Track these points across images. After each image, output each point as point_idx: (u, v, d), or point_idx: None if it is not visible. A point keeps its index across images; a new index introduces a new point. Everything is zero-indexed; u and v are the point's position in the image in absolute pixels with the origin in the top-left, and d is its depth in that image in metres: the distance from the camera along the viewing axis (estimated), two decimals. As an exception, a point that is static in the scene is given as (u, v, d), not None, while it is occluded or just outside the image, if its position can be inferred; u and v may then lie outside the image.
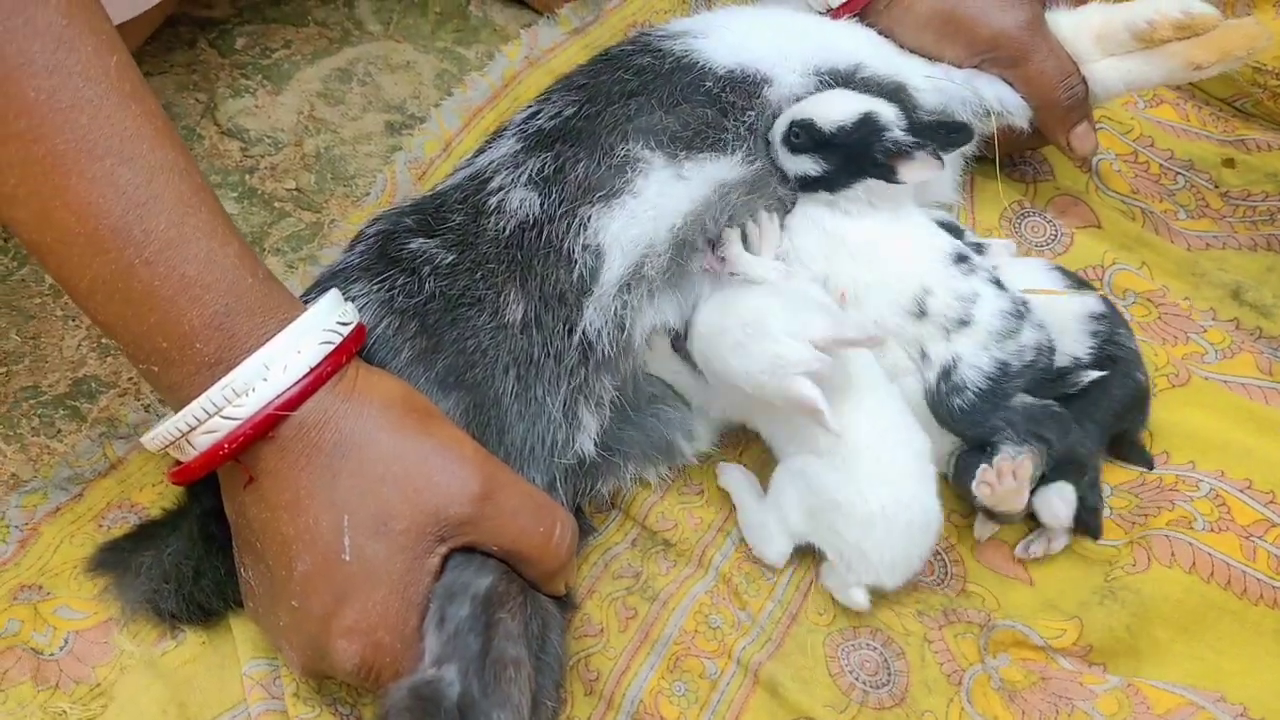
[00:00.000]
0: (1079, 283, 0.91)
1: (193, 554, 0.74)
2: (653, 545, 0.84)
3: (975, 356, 0.82)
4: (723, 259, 0.82)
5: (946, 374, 0.83)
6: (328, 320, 0.67)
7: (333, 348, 0.66)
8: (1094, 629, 0.80)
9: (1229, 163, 1.16)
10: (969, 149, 1.00)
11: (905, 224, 0.88)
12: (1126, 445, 0.88)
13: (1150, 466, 0.88)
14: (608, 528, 0.85)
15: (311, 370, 0.64)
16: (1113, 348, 0.86)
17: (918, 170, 0.82)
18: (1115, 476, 0.89)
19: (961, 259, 0.85)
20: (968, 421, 0.82)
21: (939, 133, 0.85)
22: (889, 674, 0.78)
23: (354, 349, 0.68)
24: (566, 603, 0.76)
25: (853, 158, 0.84)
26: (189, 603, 0.74)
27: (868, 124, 0.84)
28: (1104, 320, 0.87)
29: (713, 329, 0.78)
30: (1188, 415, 0.92)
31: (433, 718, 0.61)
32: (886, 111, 0.84)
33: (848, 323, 0.77)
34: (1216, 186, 1.13)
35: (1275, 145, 1.20)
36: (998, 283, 0.84)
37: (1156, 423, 0.90)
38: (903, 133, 0.83)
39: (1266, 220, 1.09)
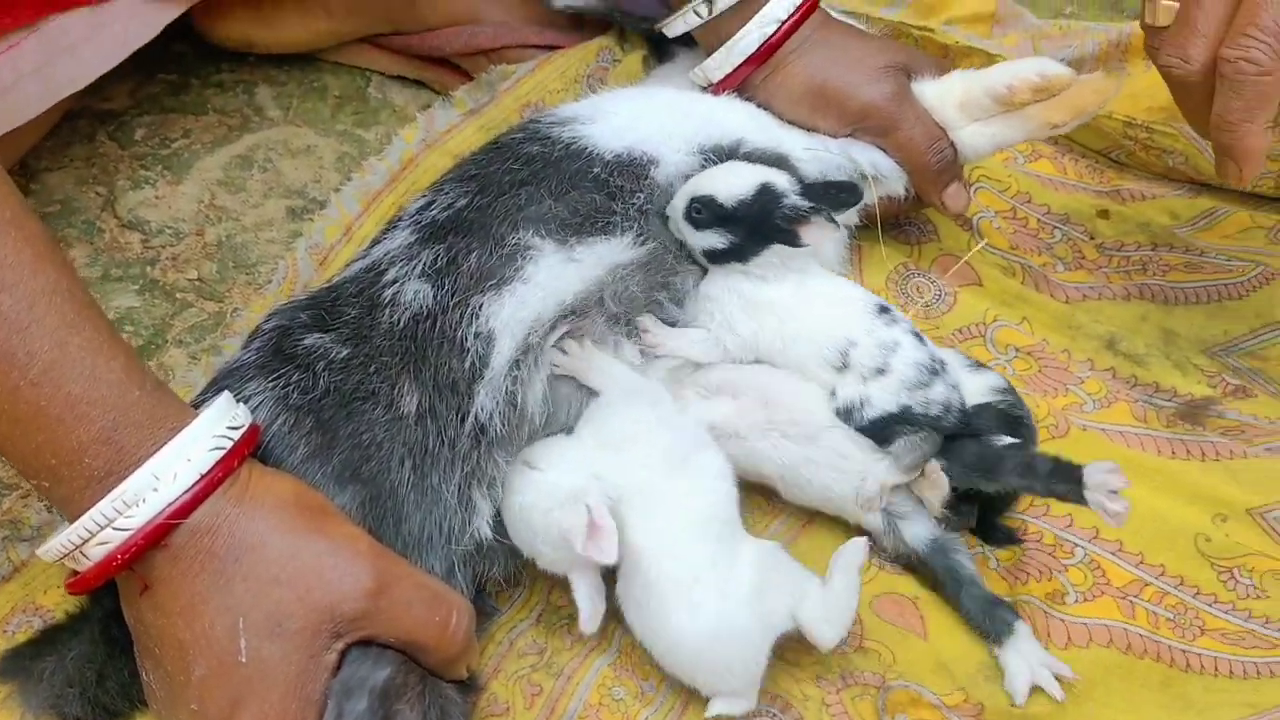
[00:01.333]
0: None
1: (96, 657, 0.74)
2: (557, 620, 0.86)
3: (883, 401, 0.86)
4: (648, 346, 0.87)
5: (848, 413, 0.86)
6: (218, 426, 0.68)
7: (223, 453, 0.67)
8: (982, 695, 0.83)
9: (1104, 214, 1.22)
10: (853, 215, 1.04)
11: (825, 280, 0.92)
12: (990, 524, 0.92)
13: (1015, 542, 0.92)
14: (513, 604, 0.87)
15: (202, 477, 0.66)
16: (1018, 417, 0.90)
17: (817, 233, 0.87)
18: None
19: (884, 310, 0.89)
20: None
21: (830, 193, 0.90)
22: None
23: (246, 451, 0.69)
24: (470, 685, 0.78)
25: (756, 227, 0.87)
26: (94, 706, 0.74)
27: (766, 194, 0.88)
28: (1008, 393, 0.91)
29: (508, 510, 0.80)
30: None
31: (330, 817, 0.63)
32: (779, 180, 0.89)
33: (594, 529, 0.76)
34: (1092, 238, 1.19)
35: (1148, 195, 1.26)
36: (918, 335, 0.88)
37: (1037, 476, 0.95)
38: (798, 197, 0.88)
39: (1139, 269, 1.15)
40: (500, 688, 0.81)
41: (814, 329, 0.88)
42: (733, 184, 0.88)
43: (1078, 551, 0.91)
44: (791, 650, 0.83)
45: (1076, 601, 0.88)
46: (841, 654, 0.85)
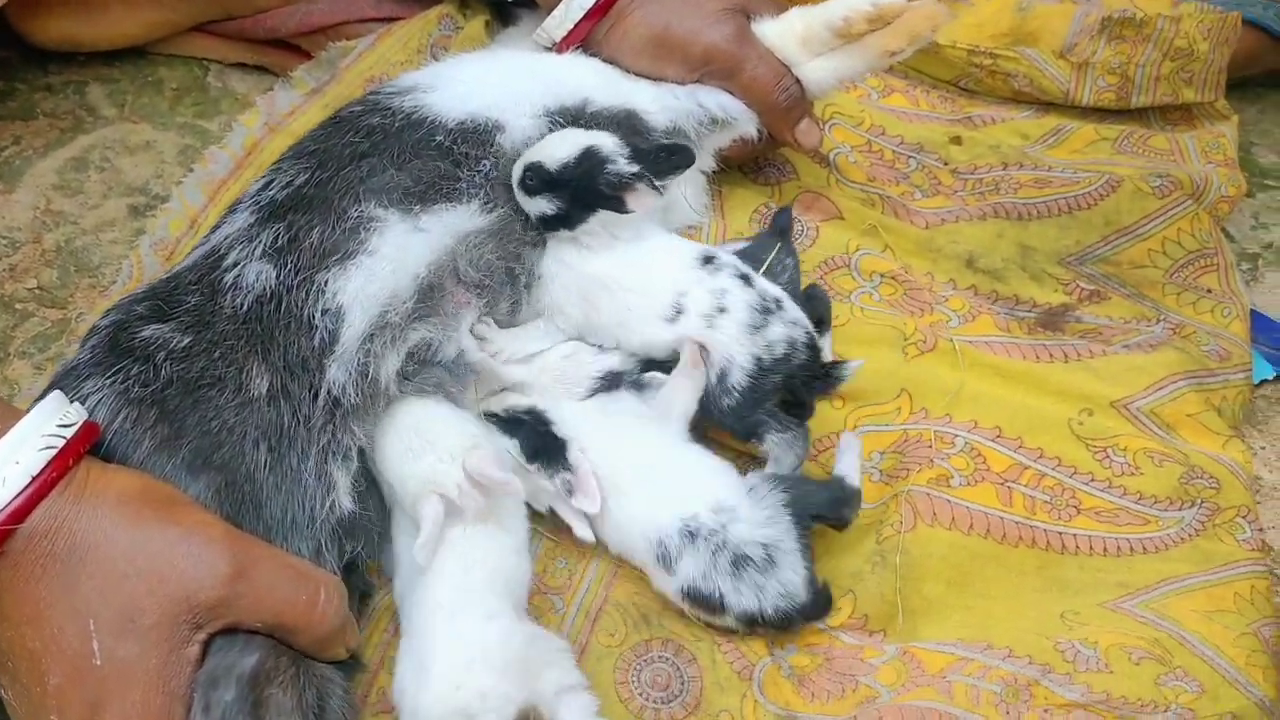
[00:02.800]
0: None
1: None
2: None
3: (741, 356, 0.86)
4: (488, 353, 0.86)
5: (723, 376, 0.87)
6: (46, 425, 0.65)
7: (55, 452, 0.65)
8: (867, 599, 0.85)
9: (956, 140, 1.25)
10: (710, 160, 1.05)
11: (648, 244, 0.92)
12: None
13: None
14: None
15: (33, 479, 0.63)
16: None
17: (642, 200, 0.86)
18: (881, 441, 0.94)
19: (708, 260, 0.90)
20: (735, 417, 0.87)
21: (660, 157, 0.89)
22: (682, 683, 0.80)
23: (81, 449, 0.67)
24: (353, 665, 0.76)
25: (580, 193, 0.87)
26: (-45, 733, 0.71)
27: (589, 158, 0.87)
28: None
29: (392, 428, 0.80)
30: (938, 374, 0.98)
31: (204, 809, 0.61)
32: (607, 144, 0.88)
33: (501, 464, 0.77)
34: (946, 164, 1.21)
35: (998, 119, 1.30)
36: (745, 279, 0.89)
37: (912, 383, 0.97)
38: (626, 162, 0.87)
39: (992, 189, 1.18)
40: (389, 682, 0.79)
41: (645, 290, 0.88)
42: (559, 149, 0.88)
43: (958, 441, 0.93)
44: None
45: (960, 485, 0.91)
46: None
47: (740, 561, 0.79)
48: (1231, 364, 1.03)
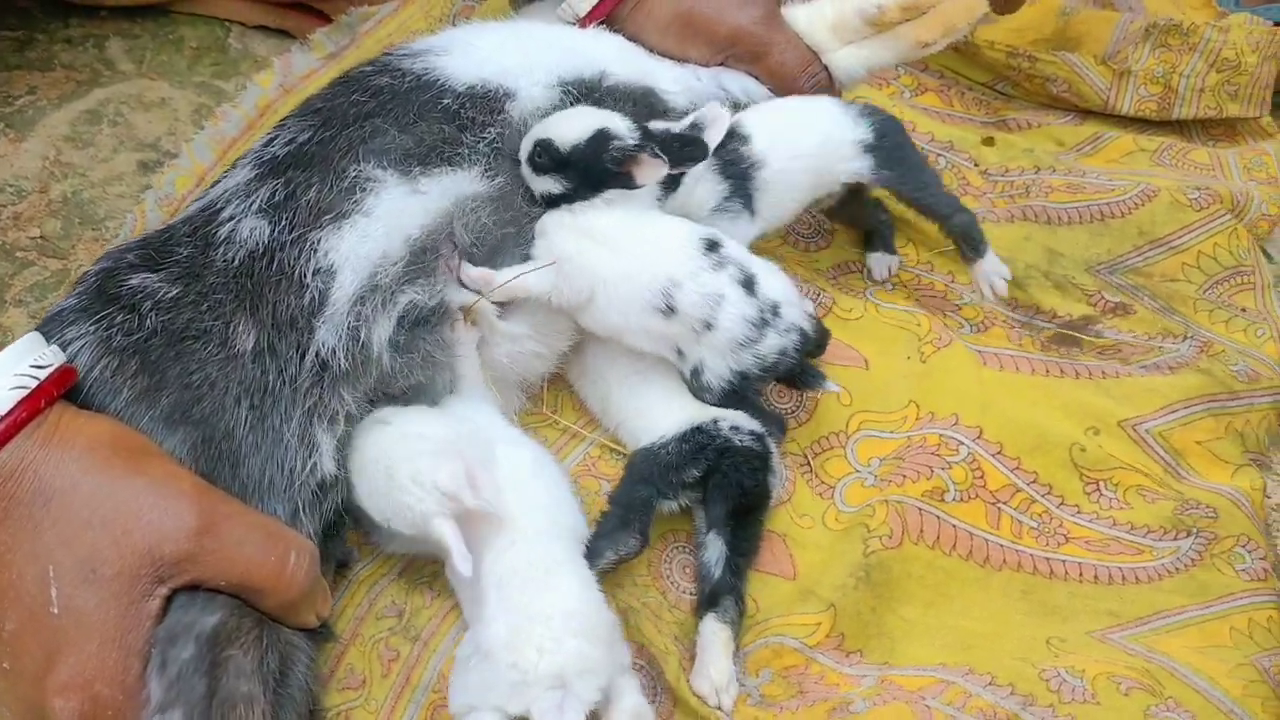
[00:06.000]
0: None
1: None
2: (419, 578, 0.82)
3: (717, 365, 0.84)
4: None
5: (696, 373, 0.85)
6: (19, 365, 0.64)
7: (27, 392, 0.63)
8: (845, 615, 0.81)
9: (988, 141, 1.21)
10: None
11: (654, 218, 0.88)
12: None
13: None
14: (375, 559, 0.83)
15: (2, 418, 0.61)
16: None
17: (647, 171, 0.83)
18: (882, 447, 0.91)
19: (712, 247, 0.85)
20: (718, 405, 0.85)
21: (673, 146, 0.85)
22: (655, 694, 0.77)
23: (55, 393, 0.65)
24: (322, 634, 0.74)
25: (589, 173, 0.84)
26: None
27: (600, 139, 0.84)
28: None
29: (357, 469, 0.77)
30: (950, 376, 0.94)
31: (152, 768, 0.59)
32: (620, 125, 0.85)
33: (472, 477, 0.74)
34: (977, 165, 1.18)
35: (1034, 124, 1.26)
36: (748, 284, 0.84)
37: (921, 391, 0.93)
38: (629, 139, 0.84)
39: (1023, 193, 1.14)
40: (357, 658, 0.77)
41: (639, 266, 0.84)
42: (572, 128, 0.85)
43: (962, 450, 0.89)
44: (654, 601, 0.81)
45: (954, 500, 0.87)
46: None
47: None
48: (1260, 386, 0.98)
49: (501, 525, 0.73)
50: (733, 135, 0.91)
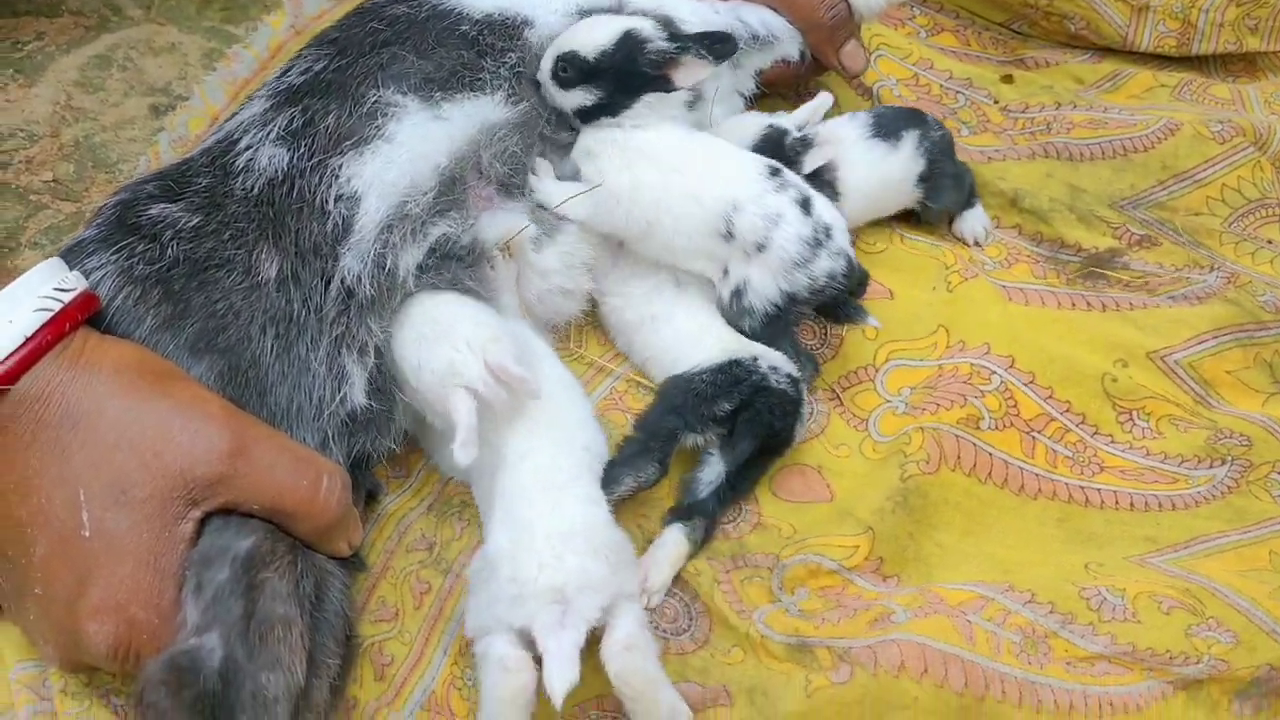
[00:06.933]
0: None
1: (-66, 558, 0.68)
2: (448, 509, 0.81)
3: (764, 286, 0.82)
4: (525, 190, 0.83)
5: (738, 294, 0.83)
6: (43, 288, 0.63)
7: (51, 315, 0.62)
8: (883, 540, 0.80)
9: (1007, 78, 1.20)
10: (750, 82, 1.00)
11: (710, 138, 0.88)
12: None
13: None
14: (404, 492, 0.82)
15: (27, 340, 0.61)
16: None
17: (689, 72, 0.82)
18: (913, 376, 0.90)
19: (775, 172, 0.85)
20: (755, 338, 0.84)
21: (703, 42, 0.84)
22: (690, 618, 0.76)
23: (79, 317, 0.64)
24: (355, 564, 0.73)
25: (624, 77, 0.83)
26: (-63, 615, 0.69)
27: (629, 41, 0.83)
28: None
29: (407, 317, 0.76)
30: (978, 306, 0.93)
31: (190, 688, 0.58)
32: (644, 26, 0.84)
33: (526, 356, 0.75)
34: (996, 102, 1.16)
35: (1053, 62, 1.24)
36: (805, 205, 0.84)
37: (950, 318, 0.92)
38: (665, 41, 0.83)
39: (1043, 129, 1.13)
40: (388, 590, 0.77)
41: (698, 186, 0.83)
42: (594, 36, 0.83)
43: (994, 379, 0.88)
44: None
45: (989, 428, 0.86)
46: (736, 538, 0.80)
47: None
48: (1288, 317, 0.97)
49: (519, 435, 0.72)
50: (827, 185, 0.92)
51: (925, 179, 0.97)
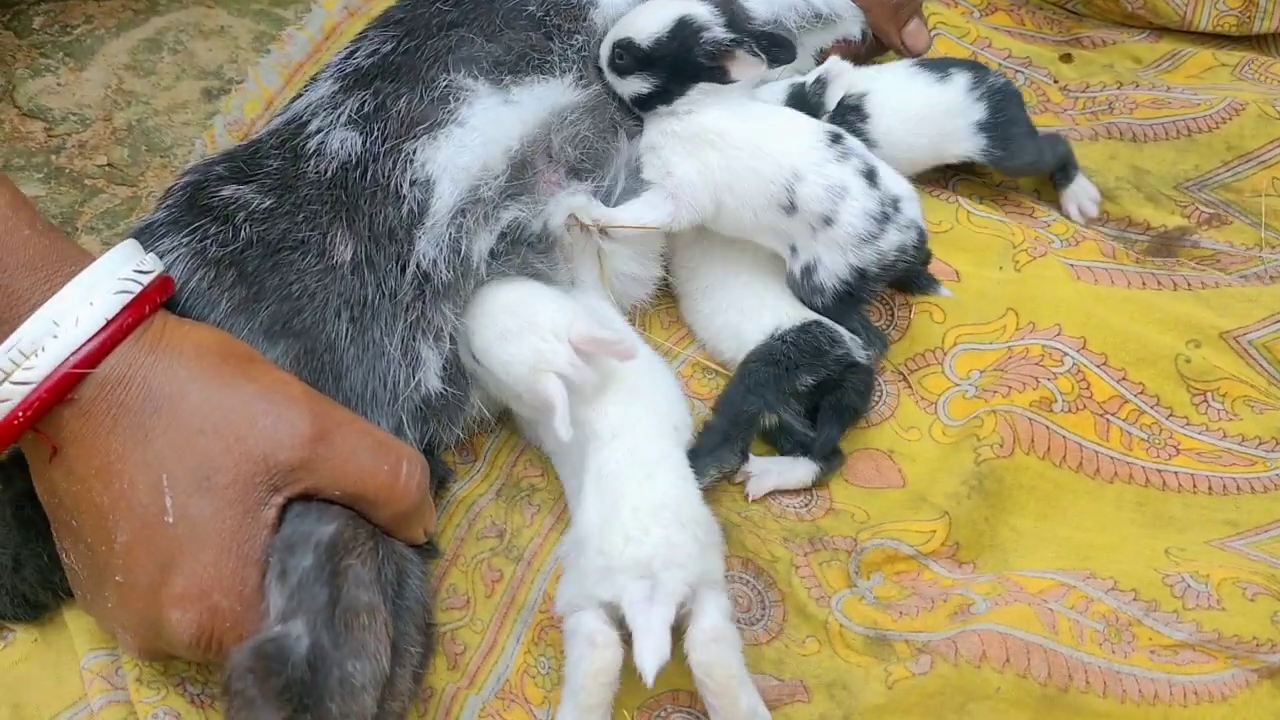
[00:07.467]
0: None
1: (9, 543, 0.67)
2: (518, 494, 0.80)
3: (834, 262, 0.81)
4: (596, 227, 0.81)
5: (809, 271, 0.82)
6: (123, 269, 0.61)
7: (131, 297, 0.61)
8: (960, 525, 0.79)
9: (1066, 58, 1.18)
10: (810, 62, 0.99)
11: (767, 108, 0.86)
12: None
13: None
14: (472, 478, 0.81)
15: (109, 322, 0.59)
16: None
17: (744, 68, 0.80)
18: (982, 360, 0.88)
19: (836, 139, 0.83)
20: (827, 315, 0.83)
21: (761, 41, 0.82)
22: (764, 607, 0.75)
23: (158, 299, 0.63)
24: (429, 551, 0.72)
25: (678, 66, 0.81)
26: (13, 598, 0.68)
27: (684, 28, 0.81)
28: None
29: (483, 313, 0.75)
30: (1047, 286, 0.92)
31: (278, 676, 0.57)
32: (700, 12, 0.82)
33: (607, 328, 0.74)
34: (1056, 81, 1.14)
35: (1110, 41, 1.22)
36: (870, 177, 0.82)
37: (1019, 300, 0.90)
38: (723, 30, 0.81)
39: (1105, 110, 1.11)
40: (460, 578, 0.76)
41: (759, 160, 0.81)
42: (650, 22, 0.82)
43: (1067, 361, 0.87)
44: (757, 513, 0.79)
45: (1062, 410, 0.85)
46: (810, 520, 0.80)
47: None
48: (1360, 298, 0.95)
49: (612, 412, 0.72)
50: (855, 110, 0.90)
51: (988, 129, 0.94)
